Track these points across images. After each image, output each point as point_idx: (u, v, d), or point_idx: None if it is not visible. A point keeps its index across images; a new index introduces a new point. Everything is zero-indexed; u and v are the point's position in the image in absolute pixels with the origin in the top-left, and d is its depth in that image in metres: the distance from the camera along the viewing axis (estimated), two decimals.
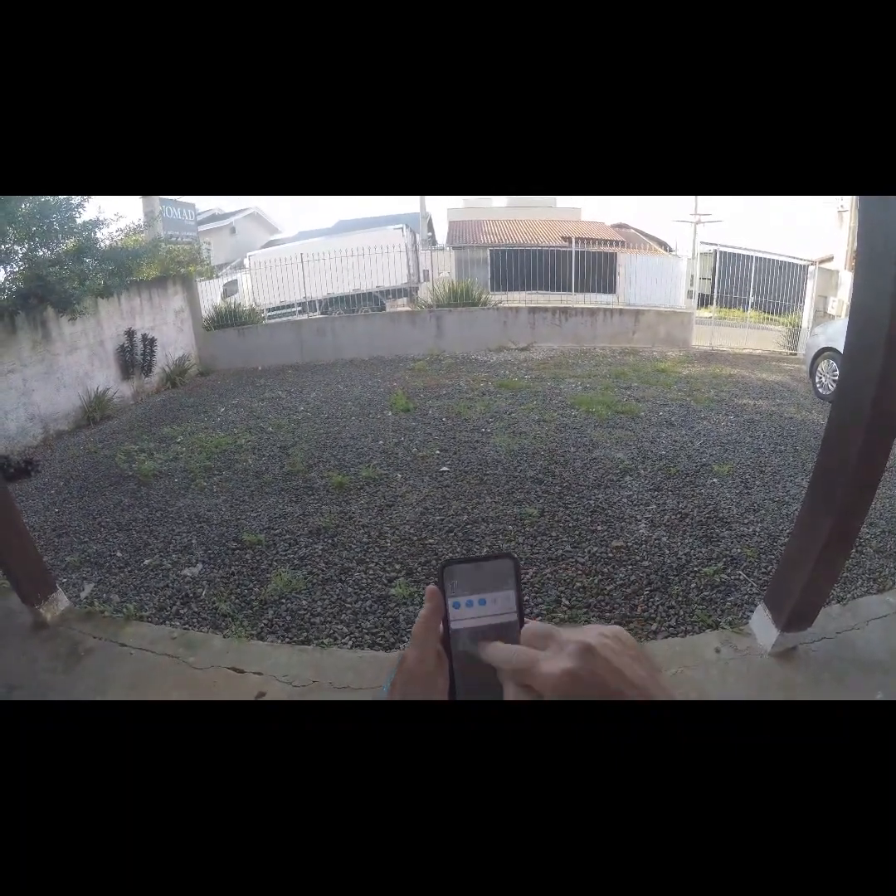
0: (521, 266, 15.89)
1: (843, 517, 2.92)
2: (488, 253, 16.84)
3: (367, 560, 4.12)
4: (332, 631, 3.38)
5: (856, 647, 3.39)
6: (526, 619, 0.57)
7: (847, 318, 2.96)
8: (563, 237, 18.09)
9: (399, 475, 5.59)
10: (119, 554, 4.38)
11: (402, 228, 16.69)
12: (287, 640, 3.33)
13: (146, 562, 4.23)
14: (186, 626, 3.48)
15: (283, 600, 3.67)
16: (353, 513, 4.85)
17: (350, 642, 3.29)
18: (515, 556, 0.59)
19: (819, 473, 3.07)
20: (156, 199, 14.08)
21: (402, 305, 15.43)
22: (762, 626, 3.30)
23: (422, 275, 16.37)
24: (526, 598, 3.52)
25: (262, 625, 3.46)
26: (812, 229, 18.07)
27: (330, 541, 4.41)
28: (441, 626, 0.56)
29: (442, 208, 44.24)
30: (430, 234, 21.47)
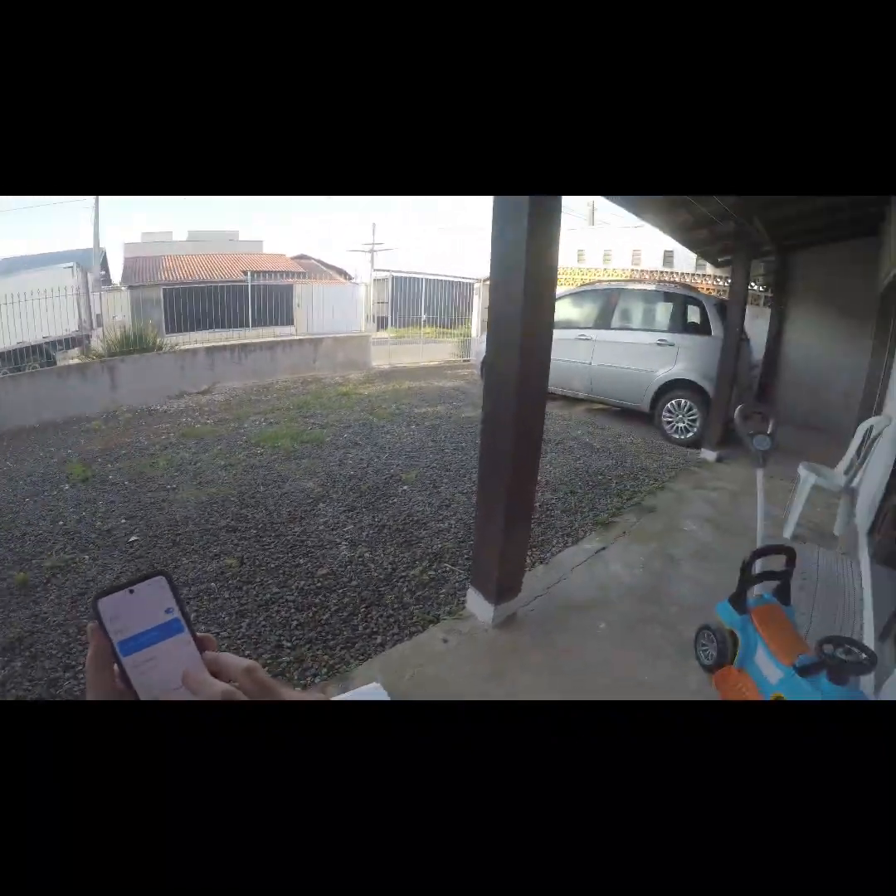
0: (197, 304, 15.35)
1: (513, 494, 3.29)
2: (161, 292, 16.05)
3: (74, 664, 3.70)
4: None
5: (569, 594, 3.94)
6: (197, 633, 0.57)
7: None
8: (243, 271, 17.95)
9: (87, 556, 5.13)
10: None
11: (71, 267, 14.91)
12: None
13: None
14: None
15: None
16: (46, 612, 4.32)
17: None
18: (166, 570, 0.58)
19: (484, 462, 3.45)
20: None
21: (73, 357, 13.89)
22: (478, 606, 3.62)
23: (94, 320, 14.91)
24: (247, 652, 3.46)
25: None
26: (479, 253, 20.22)
27: (28, 653, 3.85)
28: (115, 664, 0.54)
29: (119, 243, 41.26)
30: (103, 272, 19.69)
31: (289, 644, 3.61)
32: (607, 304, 9.12)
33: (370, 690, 2.30)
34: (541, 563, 4.29)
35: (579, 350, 9.11)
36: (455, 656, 3.31)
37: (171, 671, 0.54)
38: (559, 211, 3.02)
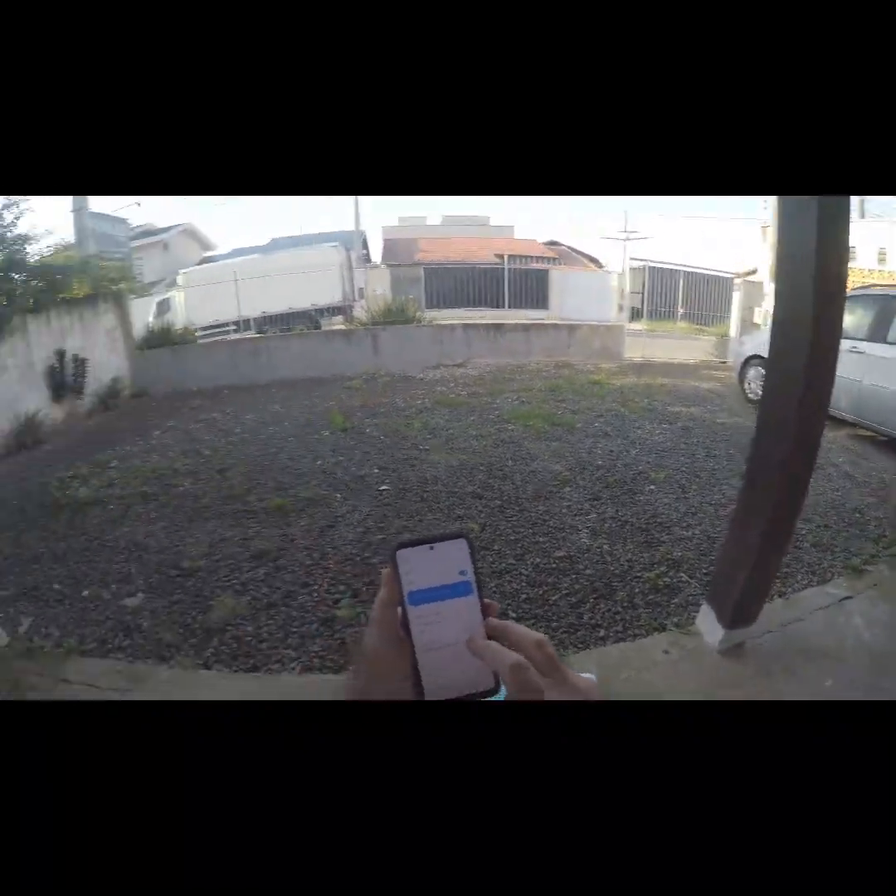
0: (454, 284, 16.25)
1: (776, 514, 3.01)
2: (422, 271, 17.05)
3: (311, 582, 4.09)
4: (279, 656, 3.35)
5: (802, 638, 3.53)
6: (486, 600, 0.57)
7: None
8: (496, 255, 18.41)
9: (339, 495, 5.56)
10: (56, 586, 4.24)
11: (336, 246, 16.77)
12: (234, 668, 3.28)
13: (84, 593, 4.12)
14: (130, 658, 3.40)
15: (228, 627, 3.61)
16: (295, 535, 4.79)
17: (298, 667, 3.26)
18: (468, 534, 0.58)
19: (751, 473, 3.18)
20: (86, 213, 13.58)
21: (337, 324, 15.38)
22: (708, 625, 3.38)
23: (356, 293, 16.45)
24: None
25: (208, 654, 3.40)
26: (735, 244, 19.01)
27: (272, 564, 4.35)
28: (399, 609, 0.56)
29: (376, 226, 44.48)
30: (364, 251, 21.55)
31: (514, 615, 3.60)
32: (885, 312, 7.50)
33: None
34: (780, 596, 3.87)
35: (849, 364, 7.67)
36: (673, 671, 3.17)
37: (453, 630, 0.55)
38: (848, 209, 2.73)
